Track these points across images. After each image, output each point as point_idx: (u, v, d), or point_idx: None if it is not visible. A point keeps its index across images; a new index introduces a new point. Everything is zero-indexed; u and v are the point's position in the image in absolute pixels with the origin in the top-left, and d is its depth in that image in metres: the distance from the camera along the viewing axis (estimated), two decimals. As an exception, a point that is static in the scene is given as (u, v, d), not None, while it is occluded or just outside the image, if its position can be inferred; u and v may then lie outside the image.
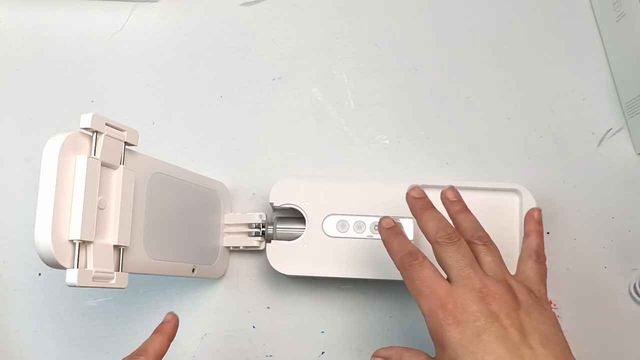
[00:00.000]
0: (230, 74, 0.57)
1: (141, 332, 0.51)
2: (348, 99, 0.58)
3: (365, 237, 0.49)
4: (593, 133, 0.57)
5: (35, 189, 0.54)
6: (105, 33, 0.58)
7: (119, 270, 0.37)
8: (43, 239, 0.33)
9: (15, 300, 0.52)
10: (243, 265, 0.53)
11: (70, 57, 0.58)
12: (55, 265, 0.33)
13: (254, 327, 0.52)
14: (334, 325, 0.52)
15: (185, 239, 0.46)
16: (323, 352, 0.51)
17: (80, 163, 0.35)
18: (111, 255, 0.36)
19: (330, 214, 0.49)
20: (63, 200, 0.34)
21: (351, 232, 0.49)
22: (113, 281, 0.36)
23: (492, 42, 0.60)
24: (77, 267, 0.34)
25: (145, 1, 0.59)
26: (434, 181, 0.51)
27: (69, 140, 0.34)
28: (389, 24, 0.60)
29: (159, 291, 0.53)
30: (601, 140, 0.57)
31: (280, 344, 0.52)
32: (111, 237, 0.37)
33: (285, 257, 0.49)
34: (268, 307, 0.52)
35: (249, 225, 0.51)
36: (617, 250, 0.54)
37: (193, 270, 0.46)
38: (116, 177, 0.37)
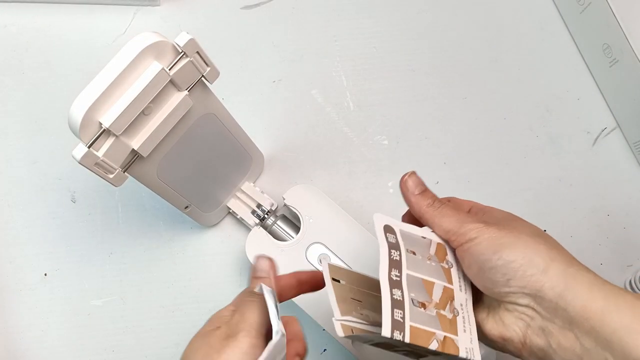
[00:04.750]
0: (232, 76, 0.58)
1: (146, 330, 0.52)
2: (347, 100, 0.59)
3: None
4: (588, 132, 0.58)
5: (41, 191, 0.55)
6: (109, 36, 0.59)
7: (123, 171, 0.38)
8: (79, 108, 0.34)
9: (22, 300, 0.52)
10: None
11: (74, 60, 0.59)
12: (75, 133, 0.35)
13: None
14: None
15: (197, 179, 0.47)
16: (325, 350, 0.52)
17: (152, 69, 0.35)
18: (125, 155, 0.37)
19: (320, 243, 0.50)
20: (118, 88, 0.35)
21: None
22: (111, 176, 0.37)
23: (488, 43, 0.61)
24: (89, 148, 0.35)
25: (147, 5, 0.60)
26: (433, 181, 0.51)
27: (156, 45, 0.35)
28: (387, 26, 0.61)
29: (163, 290, 0.53)
30: (596, 139, 0.58)
31: (282, 341, 0.52)
32: (135, 142, 0.38)
33: (261, 248, 0.50)
34: (270, 305, 0.53)
35: (258, 205, 0.52)
36: (613, 247, 0.54)
37: (186, 208, 0.48)
38: (175, 98, 0.38)
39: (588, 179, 0.56)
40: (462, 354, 0.35)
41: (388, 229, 0.37)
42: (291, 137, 0.57)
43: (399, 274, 0.35)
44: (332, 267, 0.38)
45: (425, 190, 0.39)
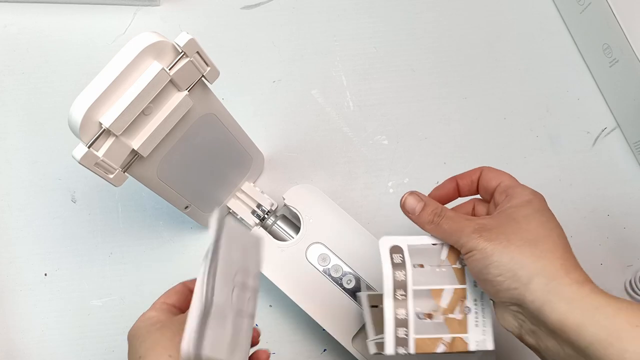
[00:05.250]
0: (232, 76, 0.58)
1: (146, 330, 0.52)
2: (347, 100, 0.59)
3: (333, 282, 0.49)
4: (588, 132, 0.58)
5: (41, 191, 0.55)
6: (109, 37, 0.59)
7: (123, 171, 0.38)
8: (79, 108, 0.34)
9: (22, 300, 0.53)
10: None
11: (74, 60, 0.59)
12: (75, 133, 0.35)
13: (256, 325, 0.53)
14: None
15: (198, 179, 0.47)
16: (325, 350, 0.52)
17: (152, 69, 0.35)
18: (125, 155, 0.37)
19: (320, 243, 0.50)
20: (118, 88, 0.35)
21: (326, 269, 0.49)
22: (111, 176, 0.38)
23: (489, 43, 0.61)
24: (89, 148, 0.35)
25: (147, 5, 0.60)
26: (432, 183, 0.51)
27: (156, 45, 0.35)
28: (387, 26, 0.61)
29: (163, 290, 0.53)
30: (596, 139, 0.58)
31: (282, 341, 0.52)
32: (135, 142, 0.38)
33: None
34: (270, 306, 0.53)
35: (258, 205, 0.52)
36: (613, 247, 0.54)
37: (186, 208, 0.48)
38: (175, 98, 0.38)
39: (588, 179, 0.56)
40: (471, 348, 0.38)
41: (394, 249, 0.39)
42: (291, 137, 0.57)
43: (404, 293, 0.39)
44: (370, 297, 0.42)
45: (424, 207, 0.40)
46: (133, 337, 0.38)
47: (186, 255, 0.54)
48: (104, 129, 0.35)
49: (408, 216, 0.41)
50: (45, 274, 0.53)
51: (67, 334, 0.52)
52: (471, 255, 0.37)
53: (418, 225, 0.40)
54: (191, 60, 0.37)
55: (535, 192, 0.40)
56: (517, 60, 0.60)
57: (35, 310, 0.52)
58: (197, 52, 0.37)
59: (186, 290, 0.41)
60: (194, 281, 0.40)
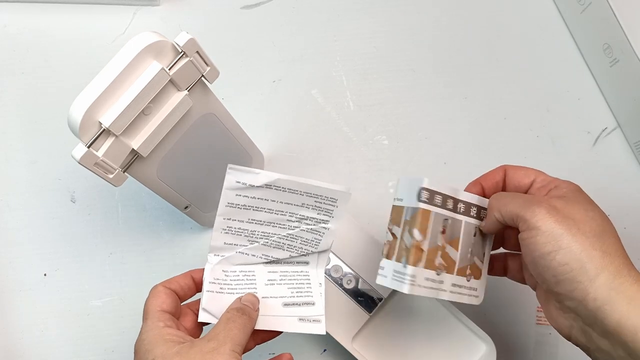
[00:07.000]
0: (232, 76, 0.58)
1: (145, 330, 0.52)
2: (347, 100, 0.59)
3: (333, 282, 0.49)
4: (588, 132, 0.58)
5: (41, 191, 0.55)
6: (109, 37, 0.59)
7: (123, 171, 0.38)
8: (79, 108, 0.34)
9: (22, 300, 0.53)
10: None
11: (73, 60, 0.59)
12: (75, 133, 0.35)
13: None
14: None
15: (198, 179, 0.47)
16: (325, 350, 0.52)
17: (152, 69, 0.36)
18: (125, 155, 0.37)
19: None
20: (118, 88, 0.35)
21: (326, 270, 0.48)
22: (111, 176, 0.38)
23: (489, 43, 0.61)
24: (89, 148, 0.35)
25: (147, 5, 0.60)
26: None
27: (156, 45, 0.35)
28: (387, 26, 0.61)
29: (163, 290, 0.53)
30: (596, 139, 0.58)
31: (282, 341, 0.52)
32: (135, 141, 0.38)
33: None
34: (270, 306, 0.53)
35: None
36: (613, 247, 0.54)
37: (186, 208, 0.48)
38: (175, 98, 0.38)
39: (588, 179, 0.56)
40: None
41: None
42: (291, 137, 0.57)
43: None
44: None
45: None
46: (144, 354, 0.35)
47: (186, 256, 0.54)
48: (104, 129, 0.35)
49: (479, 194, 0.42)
50: (45, 274, 0.53)
51: (67, 334, 0.52)
52: (533, 236, 0.34)
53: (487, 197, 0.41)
54: (191, 60, 0.37)
55: None
56: (517, 60, 0.60)
57: (35, 310, 0.52)
58: (197, 52, 0.37)
59: (174, 294, 0.39)
60: (174, 280, 0.40)
